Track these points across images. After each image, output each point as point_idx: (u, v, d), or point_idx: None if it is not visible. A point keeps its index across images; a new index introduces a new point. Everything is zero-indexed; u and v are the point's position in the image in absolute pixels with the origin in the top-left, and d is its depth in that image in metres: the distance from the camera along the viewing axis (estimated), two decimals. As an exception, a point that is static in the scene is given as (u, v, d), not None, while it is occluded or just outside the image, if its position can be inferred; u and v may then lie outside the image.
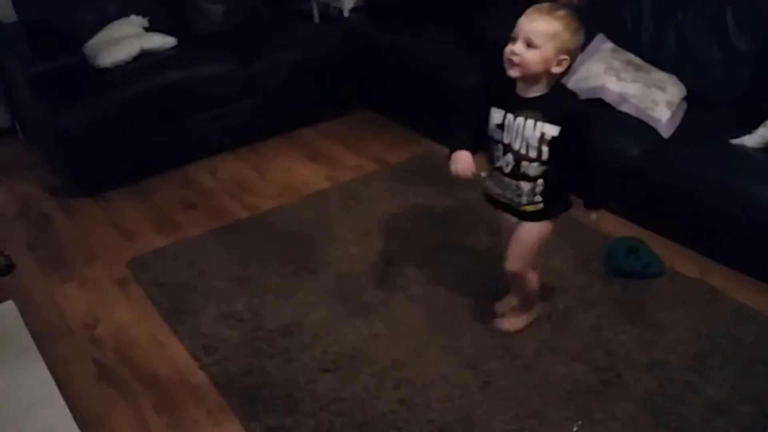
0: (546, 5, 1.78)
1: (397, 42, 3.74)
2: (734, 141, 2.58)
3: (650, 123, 2.72)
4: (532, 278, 2.16)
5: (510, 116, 1.87)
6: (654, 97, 2.76)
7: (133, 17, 3.62)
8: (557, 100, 1.83)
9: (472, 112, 2.02)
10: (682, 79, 2.92)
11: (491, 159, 1.99)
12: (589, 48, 3.04)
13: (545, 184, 1.92)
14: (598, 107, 2.79)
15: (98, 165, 3.20)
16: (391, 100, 3.91)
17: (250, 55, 3.56)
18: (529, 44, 1.74)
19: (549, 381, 2.08)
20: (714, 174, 2.46)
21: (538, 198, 1.95)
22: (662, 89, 2.81)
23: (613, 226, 2.79)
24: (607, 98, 2.78)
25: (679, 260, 2.57)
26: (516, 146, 1.88)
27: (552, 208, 1.99)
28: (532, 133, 1.84)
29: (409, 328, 2.31)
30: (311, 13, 4.69)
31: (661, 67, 2.99)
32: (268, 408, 2.03)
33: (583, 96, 2.82)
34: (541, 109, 1.83)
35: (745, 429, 1.91)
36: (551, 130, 1.82)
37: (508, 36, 3.08)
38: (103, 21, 3.53)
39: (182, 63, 3.40)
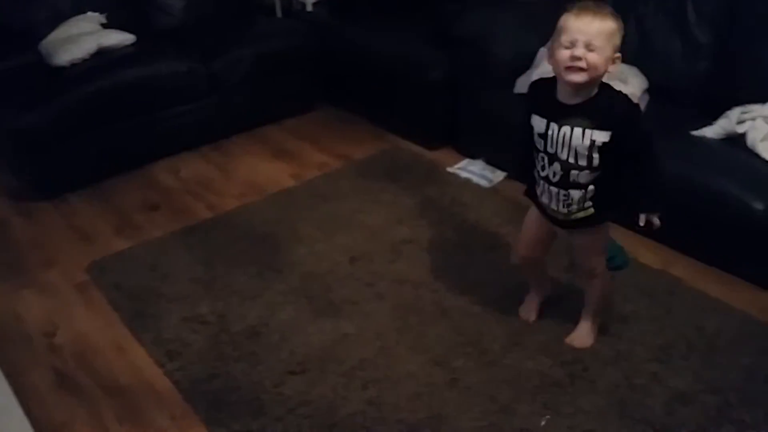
0: (590, 3, 1.71)
1: (361, 37, 3.72)
2: (695, 132, 2.61)
3: (612, 116, 2.73)
4: (607, 277, 2.11)
5: (554, 125, 1.79)
6: (616, 90, 2.78)
7: (90, 14, 3.53)
8: (604, 104, 1.76)
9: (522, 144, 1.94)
10: (643, 71, 2.94)
11: (536, 166, 1.92)
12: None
13: (596, 189, 1.84)
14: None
15: (56, 167, 3.12)
16: (355, 96, 3.88)
17: (211, 51, 3.50)
18: (590, 47, 1.67)
19: (517, 376, 2.09)
20: (675, 165, 2.48)
21: (589, 204, 1.88)
22: (624, 81, 2.82)
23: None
24: (570, 91, 2.79)
25: (643, 252, 2.59)
26: (563, 156, 1.80)
27: (604, 213, 1.92)
28: (581, 141, 1.76)
29: (377, 327, 2.29)
30: (274, 7, 4.63)
31: (623, 59, 2.99)
32: (234, 413, 2.00)
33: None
34: (588, 115, 1.75)
35: (709, 418, 1.93)
36: (601, 137, 1.74)
37: (474, 30, 3.12)
38: (58, 18, 3.44)
39: (141, 60, 3.33)
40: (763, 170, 2.39)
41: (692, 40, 2.90)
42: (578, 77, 1.70)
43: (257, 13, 4.23)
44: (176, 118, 3.42)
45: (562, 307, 2.33)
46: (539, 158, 1.88)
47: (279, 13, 4.63)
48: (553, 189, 1.88)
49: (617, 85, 2.75)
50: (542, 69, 2.90)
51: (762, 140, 2.44)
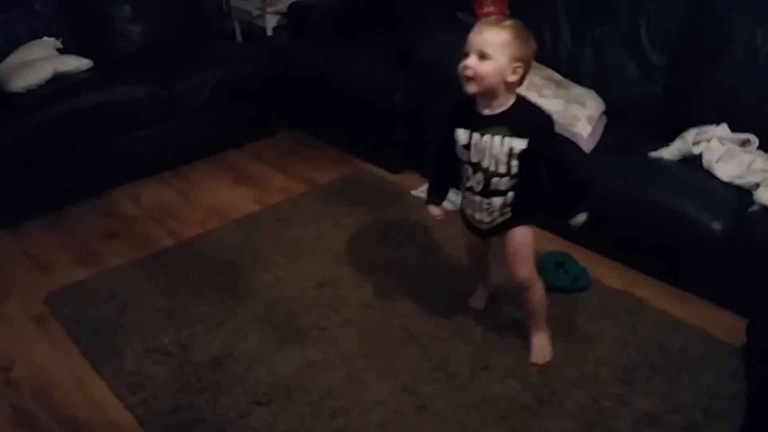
0: (492, 18, 1.85)
1: (322, 60, 3.72)
2: (652, 154, 2.66)
3: (572, 138, 2.77)
4: (540, 287, 2.15)
5: (476, 135, 1.90)
6: (575, 113, 2.82)
7: (45, 39, 3.46)
8: (521, 114, 1.87)
9: (436, 151, 2.09)
10: (600, 94, 3.00)
11: (461, 179, 2.04)
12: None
13: (515, 195, 1.96)
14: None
15: (11, 194, 3.02)
16: (317, 120, 3.88)
17: (170, 75, 3.46)
18: (482, 56, 1.78)
19: (485, 400, 2.09)
20: (634, 187, 2.53)
21: (507, 209, 1.99)
22: (582, 104, 2.88)
23: (540, 240, 2.81)
24: (531, 115, 2.82)
25: (605, 272, 2.63)
26: (485, 164, 1.91)
27: (521, 216, 2.02)
28: (500, 149, 1.87)
29: (344, 353, 2.27)
30: (233, 32, 4.63)
31: (580, 82, 3.06)
32: (199, 446, 1.96)
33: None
34: (506, 124, 1.86)
35: (675, 438, 1.96)
36: (519, 144, 1.86)
37: (435, 53, 3.15)
38: (13, 43, 3.36)
39: (99, 85, 3.27)
40: (719, 190, 2.44)
41: (647, 63, 2.97)
42: (470, 88, 1.82)
43: (217, 38, 4.22)
44: (136, 144, 3.36)
45: (525, 330, 2.34)
46: (464, 169, 1.99)
47: (239, 38, 4.63)
48: (477, 198, 2.00)
49: (574, 108, 2.83)
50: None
51: (717, 161, 2.50)
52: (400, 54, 3.42)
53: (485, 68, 1.78)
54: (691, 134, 2.61)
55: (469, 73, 1.80)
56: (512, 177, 1.92)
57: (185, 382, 2.17)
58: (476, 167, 1.94)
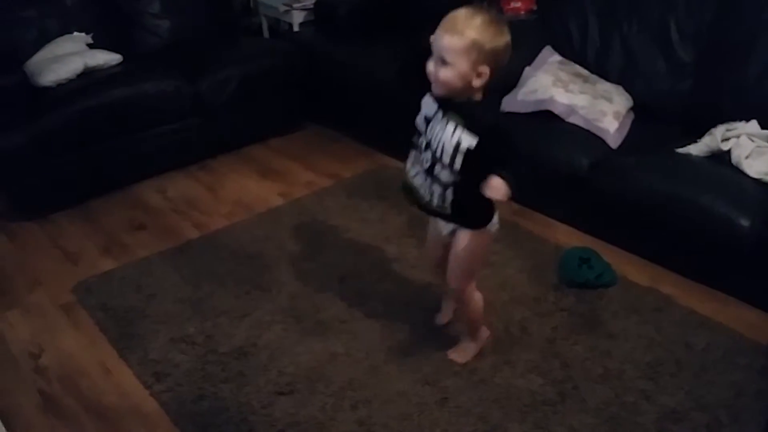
0: (463, 12, 1.67)
1: (346, 57, 3.73)
2: (680, 150, 2.63)
3: (598, 134, 2.75)
4: (477, 302, 2.11)
5: (440, 113, 1.79)
6: (602, 108, 2.80)
7: (76, 34, 3.53)
8: (478, 111, 1.76)
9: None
10: (628, 90, 2.98)
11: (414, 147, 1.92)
12: (536, 60, 3.08)
13: (455, 196, 1.84)
14: (548, 119, 2.82)
15: (41, 187, 3.10)
16: (342, 115, 3.90)
17: (197, 71, 3.50)
18: (443, 62, 1.67)
19: (507, 394, 2.08)
20: (661, 183, 2.50)
21: (447, 205, 1.87)
22: (609, 100, 2.86)
23: (564, 236, 2.82)
24: (556, 110, 2.81)
25: (631, 269, 2.60)
26: (434, 146, 1.80)
27: (460, 218, 1.91)
28: (450, 137, 1.75)
29: (366, 346, 2.28)
30: (260, 28, 4.66)
31: (608, 78, 3.04)
32: (222, 434, 1.98)
33: (531, 108, 2.86)
34: (463, 114, 1.75)
35: (699, 435, 1.93)
36: (468, 139, 1.73)
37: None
38: (44, 38, 3.44)
39: (127, 80, 3.32)
40: (748, 187, 2.41)
41: (676, 59, 2.94)
42: (436, 90, 1.74)
43: (244, 34, 4.25)
44: (162, 138, 3.41)
45: (549, 324, 2.34)
46: (419, 140, 1.87)
47: (266, 34, 4.65)
48: (422, 175, 1.88)
49: (601, 104, 2.81)
50: (528, 87, 2.93)
51: (746, 157, 2.46)
52: (423, 52, 3.41)
53: (445, 75, 1.67)
54: (719, 131, 2.57)
55: (431, 78, 1.72)
56: (453, 173, 1.79)
57: (209, 372, 2.19)
58: (428, 145, 1.82)
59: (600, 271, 2.52)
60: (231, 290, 2.56)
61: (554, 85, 2.87)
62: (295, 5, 4.25)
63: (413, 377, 2.15)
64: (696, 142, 2.62)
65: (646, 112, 2.95)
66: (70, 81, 3.23)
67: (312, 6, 4.19)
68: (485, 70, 1.69)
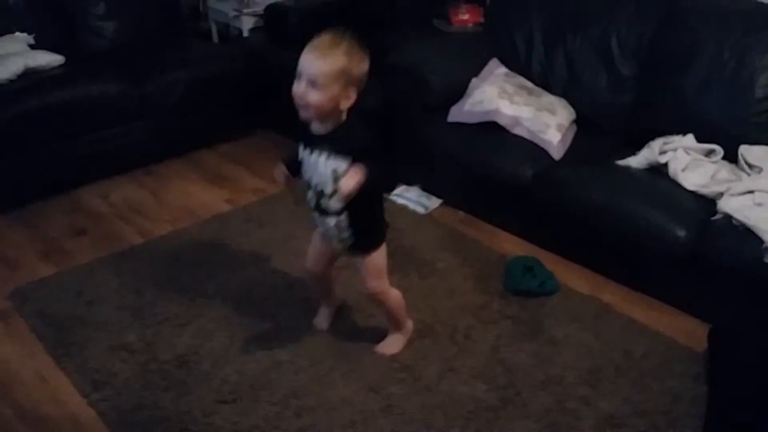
0: (327, 39, 1.75)
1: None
2: (620, 162, 2.70)
3: (542, 145, 2.81)
4: (395, 299, 2.17)
5: (307, 152, 1.87)
6: (545, 120, 2.86)
7: (17, 34, 3.43)
8: (345, 134, 1.81)
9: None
10: (571, 103, 3.05)
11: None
12: (483, 72, 3.13)
13: (350, 217, 1.90)
14: (493, 130, 2.87)
15: (-23, 190, 3.00)
16: (291, 121, 3.87)
17: (144, 74, 3.44)
18: (313, 85, 1.71)
19: (451, 401, 2.10)
20: (601, 194, 2.57)
21: (346, 234, 1.95)
22: (553, 112, 2.92)
23: (509, 245, 2.87)
24: (501, 121, 2.86)
25: (572, 277, 2.66)
26: (314, 182, 1.88)
27: (363, 240, 1.98)
28: (324, 169, 1.83)
29: (311, 354, 2.27)
30: (210, 32, 4.61)
31: (552, 90, 3.11)
32: (162, 444, 1.94)
33: (477, 119, 2.91)
34: (331, 143, 1.81)
35: (637, 441, 1.98)
36: (341, 164, 1.80)
37: (408, 59, 3.17)
38: (-16, 37, 3.34)
39: (70, 82, 3.23)
40: (684, 199, 2.49)
41: (617, 73, 3.02)
42: (303, 113, 1.77)
43: (193, 38, 4.20)
44: (106, 141, 3.33)
45: (493, 332, 2.37)
46: (306, 184, 1.95)
47: (215, 39, 4.61)
48: (315, 213, 1.97)
49: (545, 116, 2.87)
50: (474, 98, 2.97)
51: (683, 170, 2.55)
52: (375, 59, 3.42)
53: (316, 98, 1.72)
54: (658, 144, 2.65)
55: (300, 102, 1.75)
56: (338, 200, 1.85)
57: (149, 380, 2.15)
58: (309, 183, 1.91)
59: (543, 279, 2.57)
60: (174, 298, 2.52)
61: (500, 97, 2.92)
62: (245, 11, 4.23)
63: (358, 384, 2.15)
64: (635, 154, 2.69)
65: (588, 124, 3.03)
66: (10, 82, 3.13)
67: (262, 12, 4.17)
68: (353, 93, 1.76)
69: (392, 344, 2.28)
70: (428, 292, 2.57)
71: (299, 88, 1.73)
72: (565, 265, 2.71)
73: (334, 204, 1.88)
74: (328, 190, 1.85)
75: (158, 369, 2.19)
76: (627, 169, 2.67)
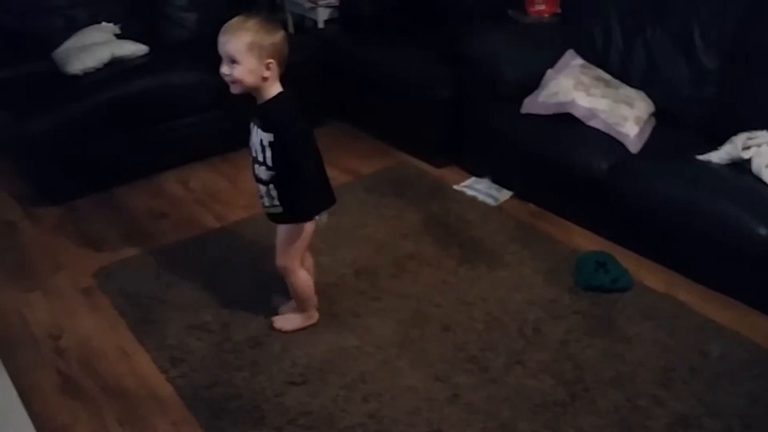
0: (235, 20, 1.91)
1: (370, 54, 3.75)
2: (700, 157, 2.62)
3: (618, 138, 2.75)
4: (299, 279, 2.24)
5: (251, 123, 2.04)
6: (622, 113, 2.80)
7: (104, 24, 3.58)
8: (272, 109, 1.98)
9: None
10: (650, 96, 2.97)
11: None
12: (558, 64, 3.08)
13: (277, 188, 2.05)
14: (568, 122, 2.82)
15: (66, 173, 3.15)
16: (363, 112, 3.92)
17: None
18: (233, 61, 1.88)
19: (517, 394, 2.09)
20: (680, 189, 2.50)
21: (276, 202, 2.08)
22: (630, 105, 2.85)
23: (581, 239, 2.82)
24: (577, 113, 2.81)
25: (647, 274, 2.60)
26: (252, 151, 2.05)
27: (290, 212, 2.09)
28: (256, 138, 2.01)
29: (379, 341, 2.30)
30: (285, 23, 4.70)
31: (630, 83, 3.03)
32: (234, 421, 2.00)
33: (552, 111, 2.87)
34: (262, 116, 2.00)
35: (709, 442, 1.93)
36: (267, 137, 1.97)
37: (480, 50, 3.16)
38: (73, 27, 3.49)
39: (153, 71, 3.36)
40: (767, 196, 2.40)
41: (699, 66, 2.92)
42: (233, 89, 1.95)
43: (269, 29, 4.28)
44: (186, 129, 3.45)
45: (563, 326, 2.34)
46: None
47: (291, 30, 4.69)
48: (255, 183, 2.11)
49: (623, 109, 2.80)
50: (549, 90, 2.93)
51: (767, 166, 2.45)
52: (448, 49, 3.43)
53: (238, 73, 1.88)
54: (741, 139, 2.56)
55: (228, 79, 1.92)
56: (269, 168, 2.01)
57: (224, 359, 2.23)
58: (251, 151, 2.06)
59: (616, 275, 2.52)
60: (248, 281, 2.59)
61: (576, 89, 2.87)
62: (320, 2, 4.28)
63: (424, 373, 2.16)
64: (717, 149, 2.61)
65: (667, 118, 2.94)
66: (97, 70, 3.28)
67: (337, 3, 4.22)
68: (271, 62, 1.91)
69: (288, 321, 2.35)
70: (497, 285, 2.56)
71: (223, 68, 1.91)
72: (639, 262, 2.65)
73: (264, 174, 2.03)
74: (260, 158, 2.01)
75: (232, 348, 2.27)
76: (707, 164, 2.58)
